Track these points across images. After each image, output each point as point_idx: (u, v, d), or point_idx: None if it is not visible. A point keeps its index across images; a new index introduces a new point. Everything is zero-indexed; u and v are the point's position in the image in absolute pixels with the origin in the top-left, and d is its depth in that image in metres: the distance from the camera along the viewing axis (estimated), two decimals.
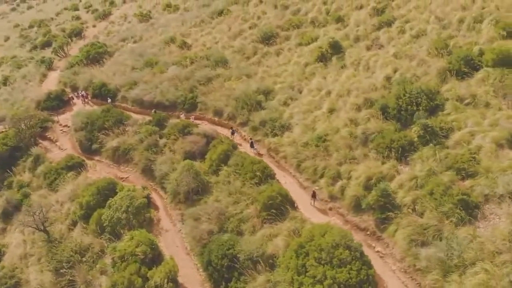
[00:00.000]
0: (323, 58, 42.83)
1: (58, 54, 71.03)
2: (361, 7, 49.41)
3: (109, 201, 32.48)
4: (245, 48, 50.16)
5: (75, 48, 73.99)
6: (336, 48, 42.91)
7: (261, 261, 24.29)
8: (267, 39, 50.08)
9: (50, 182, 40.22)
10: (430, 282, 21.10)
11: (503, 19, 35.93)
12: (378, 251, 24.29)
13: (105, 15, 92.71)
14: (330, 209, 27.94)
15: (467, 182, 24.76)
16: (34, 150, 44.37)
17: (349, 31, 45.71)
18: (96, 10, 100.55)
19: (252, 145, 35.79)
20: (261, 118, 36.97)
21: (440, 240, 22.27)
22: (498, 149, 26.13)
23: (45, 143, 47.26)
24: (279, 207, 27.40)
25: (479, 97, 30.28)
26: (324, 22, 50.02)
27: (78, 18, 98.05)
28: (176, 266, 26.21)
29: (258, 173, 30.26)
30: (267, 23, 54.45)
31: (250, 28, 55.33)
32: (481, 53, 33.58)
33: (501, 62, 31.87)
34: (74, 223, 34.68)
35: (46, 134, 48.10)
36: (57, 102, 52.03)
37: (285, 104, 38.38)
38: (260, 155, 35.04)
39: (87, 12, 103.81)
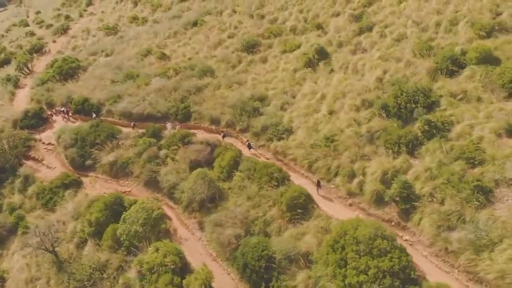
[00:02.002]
0: (310, 64, 44.49)
1: (23, 71, 68.15)
2: (338, 14, 51.81)
3: (124, 215, 31.91)
4: (229, 57, 50.89)
5: (39, 65, 71.37)
6: (322, 54, 44.69)
7: (301, 259, 25.06)
8: (250, 47, 51.14)
9: (45, 202, 38.94)
10: (465, 262, 22.87)
11: (478, 20, 39.24)
12: (406, 240, 25.80)
13: (63, 30, 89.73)
14: (351, 205, 29.25)
15: (477, 170, 27.07)
16: (22, 171, 42.60)
17: (331, 37, 47.74)
18: (51, 25, 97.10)
19: (250, 147, 36.75)
20: (262, 123, 37.83)
21: (464, 224, 24.22)
22: (498, 138, 28.75)
23: (30, 163, 45.38)
24: (303, 206, 28.39)
25: (470, 93, 32.99)
26: (303, 29, 51.90)
27: (32, 34, 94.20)
28: (211, 273, 26.37)
29: (275, 175, 31.09)
30: (246, 32, 55.57)
31: (229, 37, 56.25)
32: (464, 52, 36.49)
33: (484, 59, 35.00)
34: (83, 241, 33.79)
35: (30, 154, 46.18)
36: (36, 120, 50.06)
37: (282, 109, 39.54)
38: (259, 155, 35.96)
39: (41, 27, 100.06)
